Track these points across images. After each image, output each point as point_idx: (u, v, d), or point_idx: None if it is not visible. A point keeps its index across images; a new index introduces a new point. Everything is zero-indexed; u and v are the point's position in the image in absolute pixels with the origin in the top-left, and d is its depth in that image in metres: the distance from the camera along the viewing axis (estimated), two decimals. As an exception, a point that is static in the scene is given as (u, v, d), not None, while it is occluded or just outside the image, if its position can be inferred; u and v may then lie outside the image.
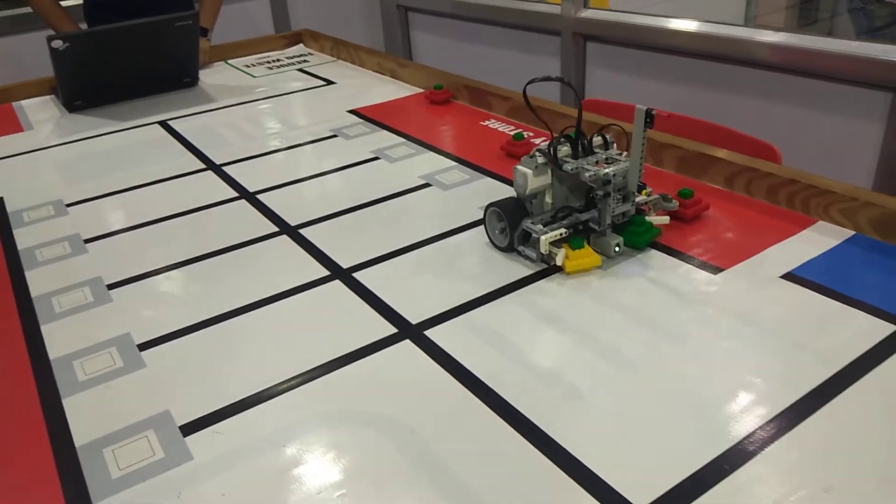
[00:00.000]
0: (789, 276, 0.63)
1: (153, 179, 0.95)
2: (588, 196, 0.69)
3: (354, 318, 0.63)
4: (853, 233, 0.70)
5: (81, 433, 0.52)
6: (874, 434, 0.47)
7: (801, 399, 0.50)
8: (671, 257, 0.68)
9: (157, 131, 1.14)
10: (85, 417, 0.53)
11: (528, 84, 0.68)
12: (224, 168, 0.97)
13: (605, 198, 0.66)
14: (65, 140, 1.13)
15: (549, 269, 0.67)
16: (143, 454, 0.50)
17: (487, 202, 0.71)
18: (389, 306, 0.64)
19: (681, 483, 0.44)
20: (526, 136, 0.97)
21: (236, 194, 0.89)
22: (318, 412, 0.52)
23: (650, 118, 0.63)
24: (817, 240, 0.69)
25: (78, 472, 0.49)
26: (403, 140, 1.03)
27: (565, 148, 0.68)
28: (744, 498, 0.43)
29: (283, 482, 0.47)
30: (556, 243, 0.66)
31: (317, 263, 0.72)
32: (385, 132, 1.06)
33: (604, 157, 0.68)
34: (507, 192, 0.83)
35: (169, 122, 1.17)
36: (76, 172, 1.00)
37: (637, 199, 0.69)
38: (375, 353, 0.58)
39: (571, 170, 0.66)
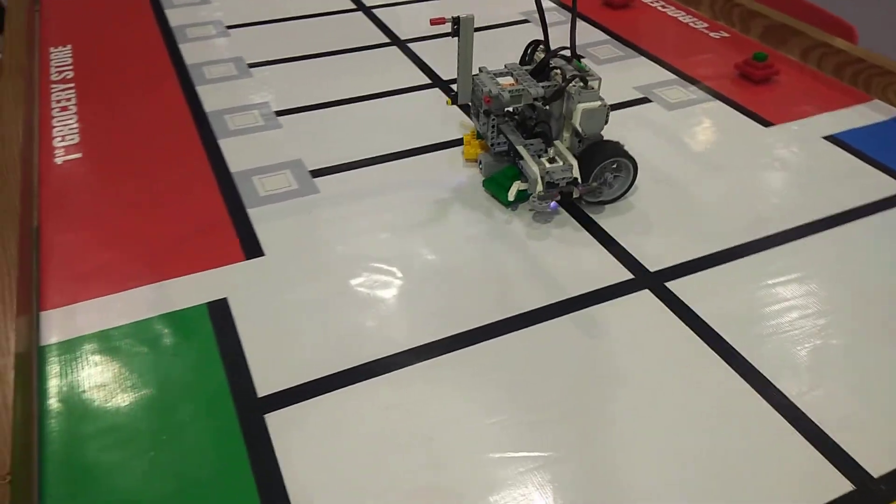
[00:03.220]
0: (831, 138, 0.72)
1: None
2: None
3: (447, 118, 0.75)
4: (904, 112, 0.77)
5: (234, 163, 0.68)
6: (863, 259, 0.58)
7: (813, 223, 0.61)
8: (728, 107, 0.77)
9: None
10: (236, 156, 0.69)
11: None
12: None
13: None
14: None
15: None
16: (282, 184, 0.65)
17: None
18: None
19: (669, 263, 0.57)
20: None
21: (354, 5, 1.00)
22: (409, 180, 0.66)
23: (455, 26, 0.59)
24: (868, 114, 0.77)
25: (234, 189, 0.64)
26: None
27: (540, 54, 0.64)
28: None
29: (380, 214, 0.61)
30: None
31: (420, 72, 0.84)
32: None
33: (528, 82, 0.60)
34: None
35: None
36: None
37: (525, 161, 0.60)
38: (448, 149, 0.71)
39: (495, 74, 0.62)
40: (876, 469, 0.42)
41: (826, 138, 0.72)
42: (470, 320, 0.51)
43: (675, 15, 0.99)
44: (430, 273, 0.56)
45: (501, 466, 0.42)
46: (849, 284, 0.55)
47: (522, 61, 0.65)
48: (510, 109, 0.63)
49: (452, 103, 0.65)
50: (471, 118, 0.67)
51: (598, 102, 0.58)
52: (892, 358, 0.49)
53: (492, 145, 0.63)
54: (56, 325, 0.51)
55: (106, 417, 0.45)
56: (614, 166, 0.61)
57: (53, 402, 0.46)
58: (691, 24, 0.96)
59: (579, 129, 0.59)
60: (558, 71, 0.61)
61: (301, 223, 0.61)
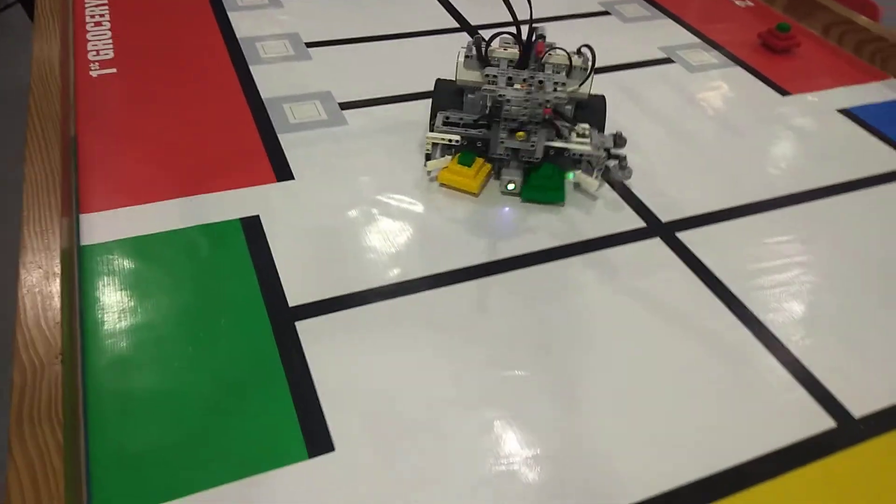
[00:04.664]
0: (845, 111, 0.75)
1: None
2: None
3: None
4: (917, 93, 0.79)
5: (265, 90, 0.69)
6: (863, 227, 0.61)
7: (820, 189, 0.64)
8: (748, 73, 0.79)
9: None
10: (267, 83, 0.71)
11: None
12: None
13: (496, 123, 0.58)
14: None
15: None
16: (311, 113, 0.67)
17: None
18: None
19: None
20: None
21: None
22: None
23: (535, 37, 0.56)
24: (884, 92, 0.79)
25: (265, 115, 0.66)
26: None
27: (513, 50, 0.58)
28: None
29: (405, 149, 0.64)
30: (453, 150, 0.60)
31: (449, 16, 0.85)
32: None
33: (539, 78, 0.55)
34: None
35: None
36: None
37: (578, 147, 0.58)
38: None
39: (484, 77, 0.56)
40: (857, 410, 0.45)
41: (840, 111, 0.75)
42: (486, 254, 0.54)
43: (702, -20, 0.99)
44: (450, 209, 0.58)
45: (510, 383, 0.45)
46: (848, 249, 0.58)
47: (480, 60, 0.58)
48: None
49: (525, 137, 0.57)
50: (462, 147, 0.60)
51: (582, 62, 0.58)
52: (881, 317, 0.52)
53: (535, 157, 0.58)
54: (95, 229, 0.54)
55: (144, 315, 0.48)
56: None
57: (93, 298, 0.48)
58: (718, -9, 0.97)
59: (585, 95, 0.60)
60: (561, 55, 0.57)
61: (330, 151, 0.63)
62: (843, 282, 0.55)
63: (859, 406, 0.45)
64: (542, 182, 0.59)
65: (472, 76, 0.59)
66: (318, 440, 0.41)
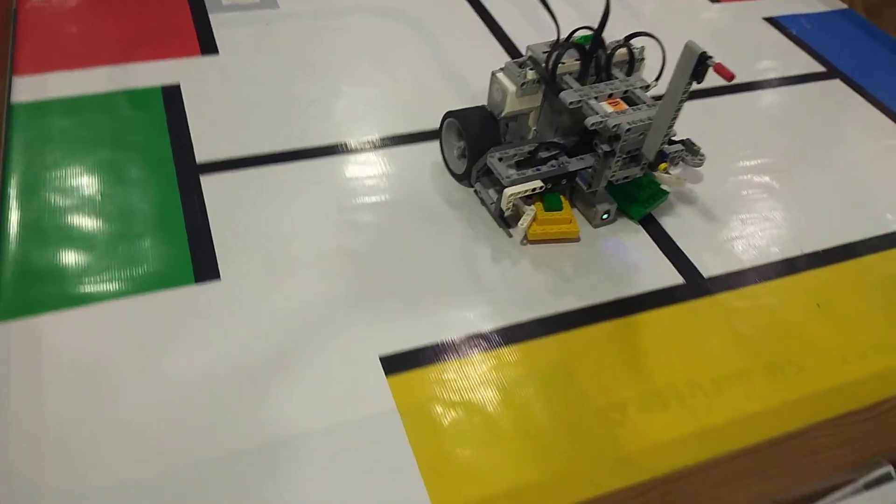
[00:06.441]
0: (770, 19, 0.77)
1: None
2: (584, 137, 0.49)
3: None
4: (846, 7, 0.81)
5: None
6: (761, 120, 0.64)
7: (721, 87, 0.67)
8: (681, -20, 0.81)
9: None
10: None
11: None
12: None
13: (606, 156, 0.47)
14: None
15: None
16: (245, -3, 0.70)
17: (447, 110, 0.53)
18: None
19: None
20: None
21: None
22: (371, 6, 0.71)
23: (702, 68, 0.42)
24: (812, 4, 0.81)
25: (200, -3, 0.69)
26: None
27: (573, 61, 0.48)
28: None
29: (338, 32, 0.66)
30: (526, 198, 0.49)
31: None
32: None
33: (623, 88, 0.48)
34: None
35: None
36: None
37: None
38: None
39: (571, 103, 0.46)
40: (706, 271, 0.50)
41: (765, 19, 0.77)
42: (389, 129, 0.58)
43: None
44: (364, 87, 0.61)
45: (383, 233, 0.49)
46: (739, 137, 0.62)
47: (552, 83, 0.48)
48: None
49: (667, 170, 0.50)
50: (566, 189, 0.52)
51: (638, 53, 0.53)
52: (750, 202, 0.56)
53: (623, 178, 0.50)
54: (26, 89, 0.57)
55: (62, 164, 0.51)
56: None
57: (18, 148, 0.52)
58: None
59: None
60: (623, 51, 0.50)
61: (256, 32, 0.66)
62: (719, 164, 0.59)
63: (709, 268, 0.50)
64: (647, 192, 0.52)
65: (528, 104, 0.49)
66: (206, 269, 0.46)
